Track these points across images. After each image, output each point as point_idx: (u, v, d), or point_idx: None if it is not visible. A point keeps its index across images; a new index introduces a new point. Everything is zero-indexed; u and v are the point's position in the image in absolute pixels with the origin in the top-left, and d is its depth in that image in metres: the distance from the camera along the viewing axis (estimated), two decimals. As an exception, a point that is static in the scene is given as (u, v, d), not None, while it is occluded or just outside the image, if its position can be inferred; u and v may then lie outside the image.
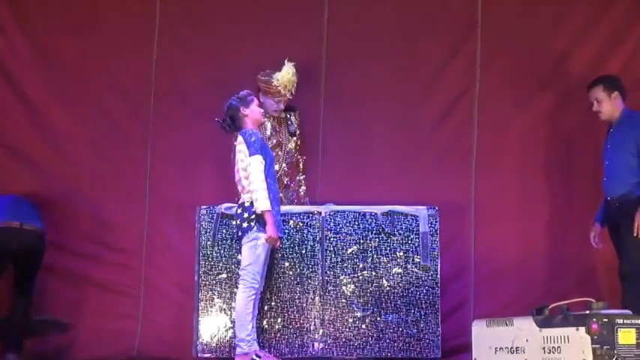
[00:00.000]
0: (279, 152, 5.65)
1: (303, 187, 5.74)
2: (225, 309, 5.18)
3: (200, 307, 5.19)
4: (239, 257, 5.01)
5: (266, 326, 5.17)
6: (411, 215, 5.25)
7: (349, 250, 5.22)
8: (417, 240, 5.22)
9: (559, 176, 5.83)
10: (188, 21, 6.15)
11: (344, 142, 6.02)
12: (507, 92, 6.01)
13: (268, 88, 5.52)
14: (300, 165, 5.77)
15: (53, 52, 6.07)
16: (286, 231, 5.16)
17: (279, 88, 5.49)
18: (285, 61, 5.47)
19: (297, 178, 5.74)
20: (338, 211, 5.28)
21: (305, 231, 5.24)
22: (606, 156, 5.27)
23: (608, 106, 5.23)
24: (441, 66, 6.07)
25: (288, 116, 5.72)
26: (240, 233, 4.88)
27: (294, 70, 5.49)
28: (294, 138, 5.72)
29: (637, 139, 5.08)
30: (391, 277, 5.21)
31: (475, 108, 6.02)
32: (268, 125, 5.63)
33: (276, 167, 5.50)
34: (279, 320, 5.17)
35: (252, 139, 4.86)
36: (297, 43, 5.92)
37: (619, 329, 3.53)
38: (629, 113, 5.24)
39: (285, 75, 5.48)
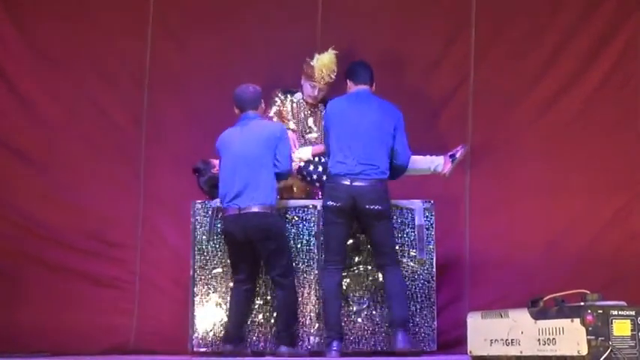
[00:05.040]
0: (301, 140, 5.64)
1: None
2: (220, 303, 5.18)
3: (195, 302, 5.20)
4: (234, 251, 5.02)
5: (262, 320, 5.17)
6: (407, 209, 5.24)
7: (345, 244, 5.21)
8: (413, 233, 5.21)
9: (554, 168, 5.83)
10: (182, 13, 6.13)
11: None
12: (502, 84, 6.00)
13: (306, 69, 5.52)
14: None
15: (46, 47, 6.05)
16: (281, 225, 5.17)
17: (315, 69, 5.47)
18: (330, 48, 5.49)
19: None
20: (334, 205, 5.27)
21: (300, 225, 5.23)
22: None
23: None
24: (435, 57, 6.06)
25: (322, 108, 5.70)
26: None
27: (335, 59, 5.49)
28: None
29: None
30: (387, 271, 5.20)
31: (470, 100, 6.02)
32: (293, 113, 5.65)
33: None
34: (275, 314, 5.15)
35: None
36: (291, 40, 5.92)
37: (614, 320, 3.53)
38: None
39: (324, 58, 5.47)
